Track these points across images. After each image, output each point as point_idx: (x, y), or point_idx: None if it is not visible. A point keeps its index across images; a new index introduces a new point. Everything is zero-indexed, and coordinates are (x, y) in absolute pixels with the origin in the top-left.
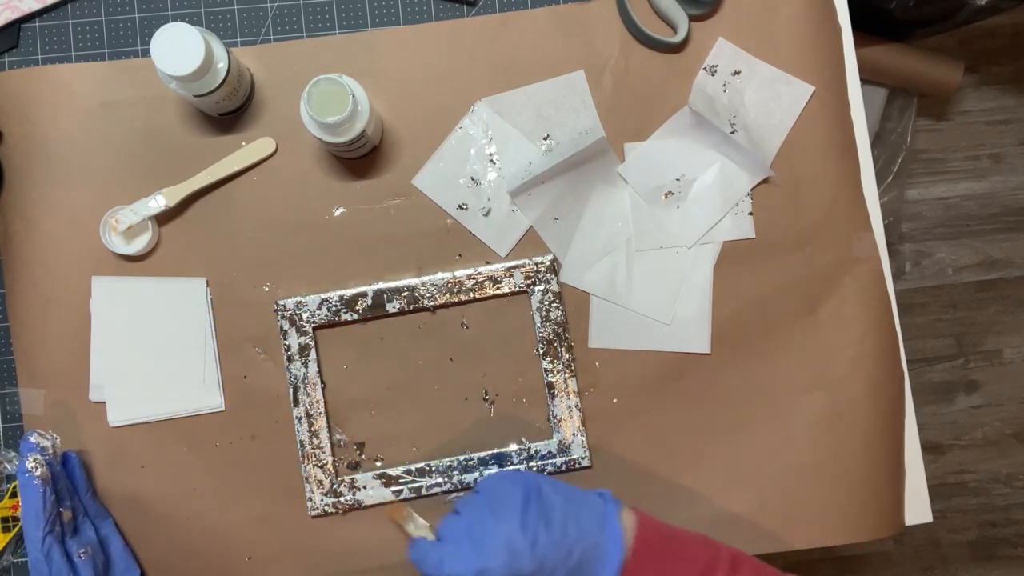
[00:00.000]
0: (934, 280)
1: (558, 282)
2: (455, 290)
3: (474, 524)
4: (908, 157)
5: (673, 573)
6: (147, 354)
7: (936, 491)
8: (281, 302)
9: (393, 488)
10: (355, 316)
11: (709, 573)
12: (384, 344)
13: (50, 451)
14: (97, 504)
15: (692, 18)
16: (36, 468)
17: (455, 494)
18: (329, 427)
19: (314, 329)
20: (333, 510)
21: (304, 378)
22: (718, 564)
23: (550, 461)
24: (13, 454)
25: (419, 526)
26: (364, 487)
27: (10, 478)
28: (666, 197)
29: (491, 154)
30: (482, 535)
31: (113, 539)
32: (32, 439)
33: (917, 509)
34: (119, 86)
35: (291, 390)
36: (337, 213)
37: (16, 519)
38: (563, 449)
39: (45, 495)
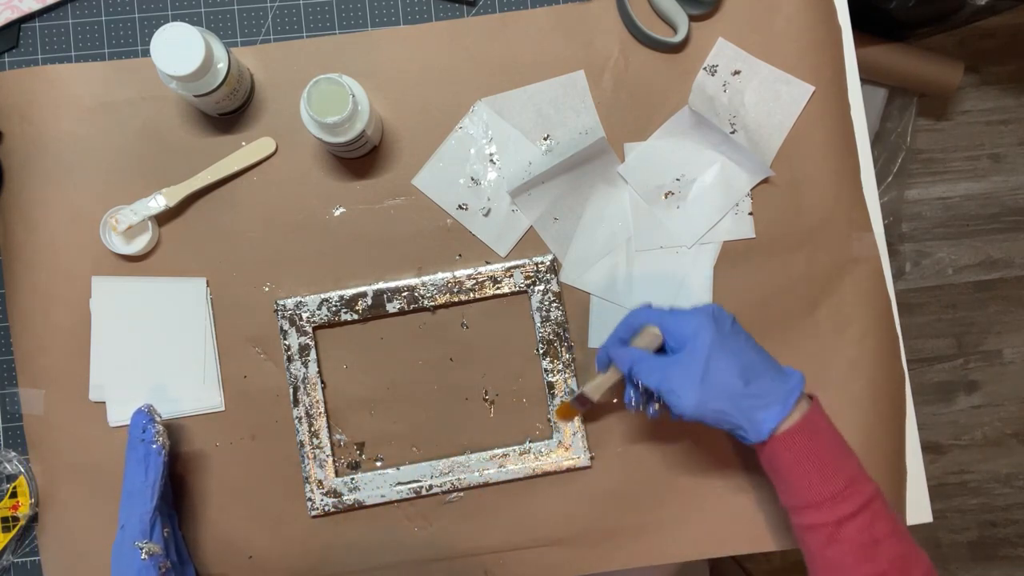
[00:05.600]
0: (934, 280)
1: (558, 282)
2: (455, 290)
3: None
4: (908, 157)
5: (809, 470)
6: (147, 354)
7: (936, 491)
8: (281, 302)
9: (394, 488)
10: (355, 316)
11: (837, 499)
12: (384, 344)
13: (158, 429)
14: (167, 504)
15: (692, 18)
16: (159, 439)
17: (455, 494)
18: (329, 427)
19: (314, 329)
20: (333, 510)
21: (304, 378)
22: (850, 496)
23: (550, 461)
24: (13, 454)
25: (598, 386)
26: (364, 487)
27: (10, 478)
28: (666, 197)
29: (491, 154)
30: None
31: (179, 533)
32: (146, 411)
33: (917, 509)
34: (119, 86)
35: (291, 390)
36: (337, 213)
37: (16, 519)
38: (563, 449)
39: (165, 466)
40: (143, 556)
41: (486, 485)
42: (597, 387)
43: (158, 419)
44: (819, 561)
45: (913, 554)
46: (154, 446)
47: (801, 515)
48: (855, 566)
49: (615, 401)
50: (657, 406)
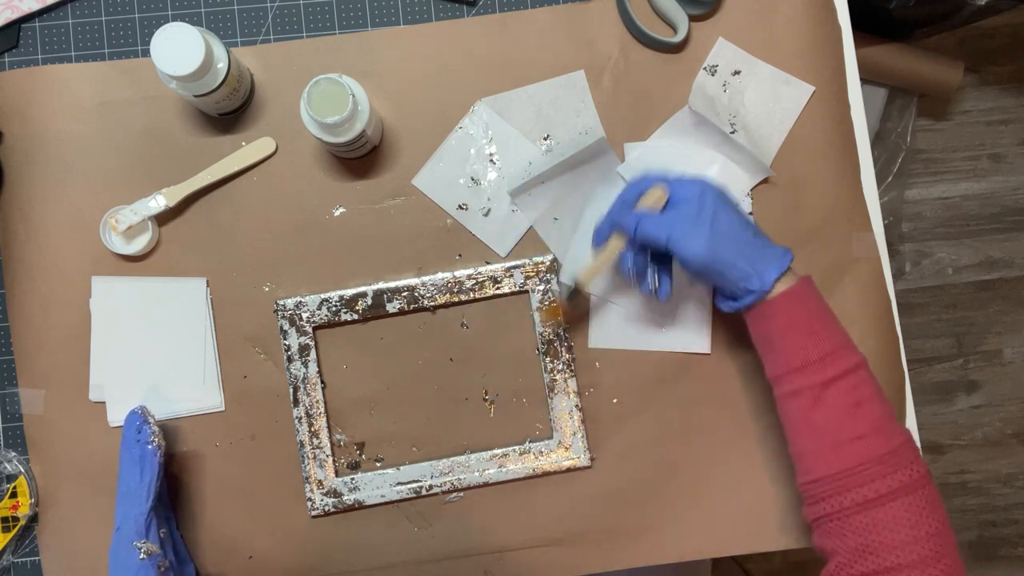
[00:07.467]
0: (934, 280)
1: (558, 282)
2: (455, 290)
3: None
4: (908, 157)
5: (800, 332)
6: (147, 354)
7: None
8: (281, 302)
9: (394, 488)
10: (355, 316)
11: (826, 360)
12: (384, 344)
13: (154, 430)
14: (164, 505)
15: (692, 18)
16: (155, 439)
17: (455, 494)
18: (329, 427)
19: (314, 329)
20: (333, 510)
21: (304, 378)
22: (837, 360)
23: (550, 461)
24: (13, 454)
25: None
26: (364, 487)
27: (10, 478)
28: None
29: (491, 154)
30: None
31: (176, 534)
32: (140, 412)
33: None
34: (119, 86)
35: (291, 390)
36: (337, 213)
37: (16, 519)
38: (563, 449)
39: (161, 467)
40: (141, 556)
41: (486, 485)
42: (590, 271)
43: (152, 420)
44: (801, 427)
45: (892, 421)
46: (149, 446)
47: (788, 381)
48: (838, 428)
49: (615, 401)
50: (654, 280)
